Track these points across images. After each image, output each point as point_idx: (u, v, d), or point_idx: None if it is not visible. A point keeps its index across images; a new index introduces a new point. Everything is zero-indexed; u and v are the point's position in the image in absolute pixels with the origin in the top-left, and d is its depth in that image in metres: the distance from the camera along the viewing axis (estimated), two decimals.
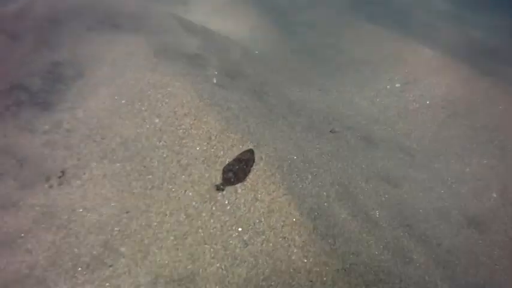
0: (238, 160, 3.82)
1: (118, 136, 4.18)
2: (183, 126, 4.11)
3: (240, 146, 3.94)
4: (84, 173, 3.90)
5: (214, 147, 3.93)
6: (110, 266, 3.25)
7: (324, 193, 3.78)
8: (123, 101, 4.54)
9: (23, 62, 5.36)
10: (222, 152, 3.88)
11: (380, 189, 4.32)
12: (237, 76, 5.67)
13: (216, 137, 3.99)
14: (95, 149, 4.11)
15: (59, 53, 5.63)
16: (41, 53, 5.59)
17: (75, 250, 3.36)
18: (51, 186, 3.84)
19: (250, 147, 3.91)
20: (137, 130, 4.18)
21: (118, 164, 3.93)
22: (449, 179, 4.87)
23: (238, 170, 3.76)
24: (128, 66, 5.11)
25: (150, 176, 3.79)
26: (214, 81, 5.13)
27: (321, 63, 7.46)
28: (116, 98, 4.61)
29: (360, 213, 3.80)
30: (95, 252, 3.34)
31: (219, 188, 3.66)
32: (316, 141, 4.76)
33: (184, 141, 3.98)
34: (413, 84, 6.66)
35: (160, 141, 4.04)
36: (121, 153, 4.03)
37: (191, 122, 4.13)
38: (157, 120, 4.23)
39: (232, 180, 3.70)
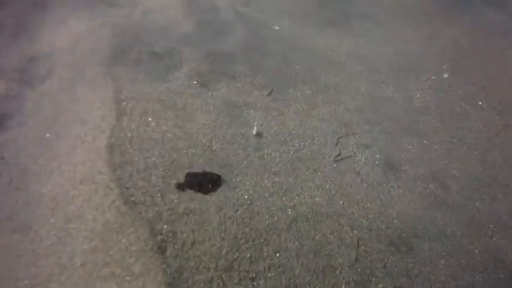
0: None
1: (27, 191, 3.30)
2: (74, 203, 2.98)
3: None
4: None
5: (100, 249, 2.76)
6: None
7: None
8: (47, 135, 3.57)
9: None
10: (109, 260, 2.71)
11: (376, 265, 2.74)
12: (217, 81, 4.12)
13: (104, 233, 2.80)
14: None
15: (36, 46, 4.79)
16: (17, 46, 4.81)
17: None
18: None
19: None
20: (41, 190, 3.22)
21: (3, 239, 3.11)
22: (490, 226, 3.19)
23: None
24: (81, 74, 4.02)
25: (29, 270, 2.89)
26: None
27: (350, 39, 5.37)
28: (44, 128, 3.65)
29: None
30: None
31: None
32: (293, 193, 3.19)
33: (71, 225, 2.89)
34: (464, 75, 4.66)
35: (52, 217, 3.03)
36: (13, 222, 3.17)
37: (84, 198, 2.97)
38: (59, 181, 3.18)
39: None
